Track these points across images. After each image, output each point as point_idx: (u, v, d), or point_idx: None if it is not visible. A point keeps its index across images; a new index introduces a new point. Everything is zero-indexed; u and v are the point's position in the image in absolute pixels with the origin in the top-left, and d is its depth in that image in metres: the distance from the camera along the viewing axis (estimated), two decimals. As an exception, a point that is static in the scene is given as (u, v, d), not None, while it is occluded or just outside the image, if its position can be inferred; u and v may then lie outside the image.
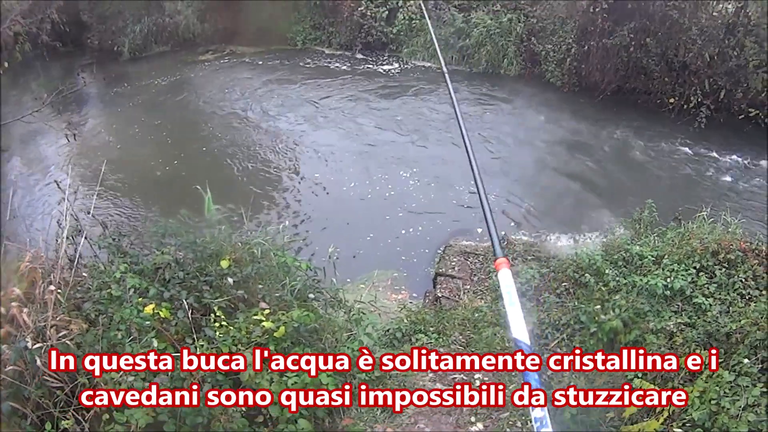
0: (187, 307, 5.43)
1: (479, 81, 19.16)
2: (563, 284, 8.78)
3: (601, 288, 8.11)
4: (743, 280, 7.69)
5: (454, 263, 10.55)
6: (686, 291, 7.50)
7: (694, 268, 7.95)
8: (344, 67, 20.80)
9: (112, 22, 22.78)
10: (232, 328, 5.39)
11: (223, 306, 5.62)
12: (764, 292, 7.51)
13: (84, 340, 5.33)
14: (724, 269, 7.87)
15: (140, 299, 5.49)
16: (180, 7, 22.89)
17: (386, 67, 20.52)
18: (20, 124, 11.69)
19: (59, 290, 5.67)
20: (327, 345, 5.99)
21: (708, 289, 7.63)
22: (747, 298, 7.47)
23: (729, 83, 15.72)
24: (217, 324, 5.36)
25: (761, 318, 6.13)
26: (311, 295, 6.51)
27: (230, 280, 5.76)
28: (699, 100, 15.75)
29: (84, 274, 6.39)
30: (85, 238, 6.69)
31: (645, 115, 16.69)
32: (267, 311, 5.56)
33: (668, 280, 7.64)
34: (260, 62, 21.64)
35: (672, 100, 16.38)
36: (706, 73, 15.85)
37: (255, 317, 5.48)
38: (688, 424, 5.39)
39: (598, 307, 7.61)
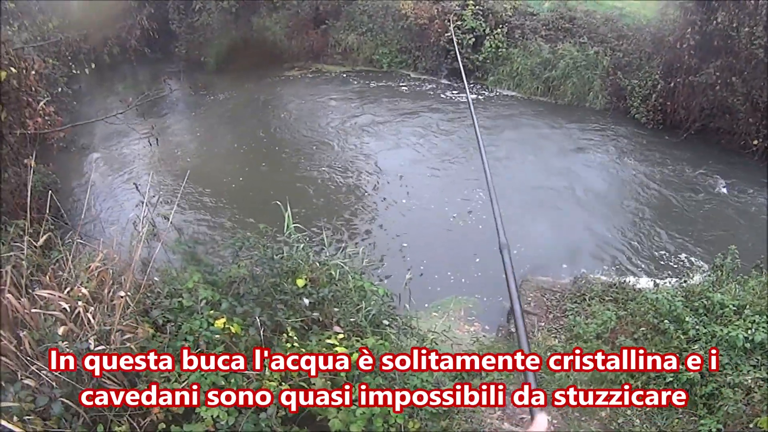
0: (259, 324, 5.20)
1: (564, 113, 18.80)
2: (641, 329, 8.43)
3: (680, 336, 7.83)
4: (827, 335, 7.40)
5: (530, 299, 10.21)
6: (767, 345, 7.22)
7: (777, 320, 7.64)
8: (429, 92, 20.62)
9: (200, 33, 23.19)
10: (303, 350, 5.15)
11: (296, 326, 5.38)
12: None
13: (148, 347, 5.19)
14: (807, 323, 7.55)
15: (211, 311, 5.31)
16: (268, 23, 23.09)
17: (471, 96, 20.09)
18: (104, 124, 11.84)
19: (129, 293, 5.55)
20: (397, 374, 5.71)
21: (790, 343, 7.33)
22: (831, 355, 7.18)
23: (815, 127, 15.10)
24: (288, 344, 5.14)
25: None
26: (385, 321, 6.24)
27: (306, 300, 5.52)
28: (784, 143, 15.15)
29: (155, 278, 6.28)
30: (159, 241, 6.58)
31: (729, 156, 16.15)
32: (341, 336, 5.31)
33: (749, 332, 7.39)
34: (345, 82, 21.66)
35: (756, 142, 15.75)
36: (791, 115, 15.20)
37: (328, 341, 5.24)
38: None
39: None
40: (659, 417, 7.12)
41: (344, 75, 22.28)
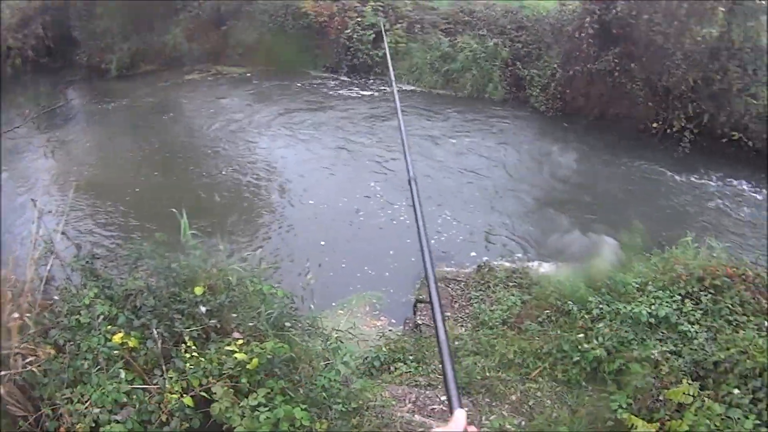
0: (157, 336, 5.25)
1: (464, 106, 19.03)
2: (545, 312, 8.65)
3: (584, 316, 8.02)
4: (730, 306, 7.62)
5: (434, 290, 10.32)
6: (671, 318, 7.41)
7: (680, 294, 7.87)
8: (328, 90, 20.65)
9: (101, 39, 22.66)
10: (203, 359, 5.20)
11: (194, 336, 5.44)
12: (752, 318, 7.44)
13: (50, 369, 5.16)
14: (710, 295, 7.79)
15: (109, 327, 5.31)
16: (169, 27, 22.75)
17: (365, 93, 20.33)
18: (4, 139, 11.51)
19: (28, 314, 5.51)
20: (302, 376, 5.81)
21: (694, 315, 7.55)
22: (734, 324, 7.40)
23: (713, 107, 15.61)
24: (187, 355, 5.18)
25: (750, 346, 6.04)
26: (288, 324, 6.32)
27: (203, 308, 5.57)
28: (683, 125, 15.65)
29: (55, 297, 6.23)
30: (57, 258, 6.52)
31: (628, 140, 16.60)
32: (240, 341, 5.39)
33: (653, 307, 7.58)
34: (244, 83, 21.52)
35: (655, 125, 16.23)
36: (690, 98, 15.72)
37: (227, 348, 5.31)
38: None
39: (581, 335, 7.59)
40: (570, 396, 7.29)
41: (247, 75, 22.16)
